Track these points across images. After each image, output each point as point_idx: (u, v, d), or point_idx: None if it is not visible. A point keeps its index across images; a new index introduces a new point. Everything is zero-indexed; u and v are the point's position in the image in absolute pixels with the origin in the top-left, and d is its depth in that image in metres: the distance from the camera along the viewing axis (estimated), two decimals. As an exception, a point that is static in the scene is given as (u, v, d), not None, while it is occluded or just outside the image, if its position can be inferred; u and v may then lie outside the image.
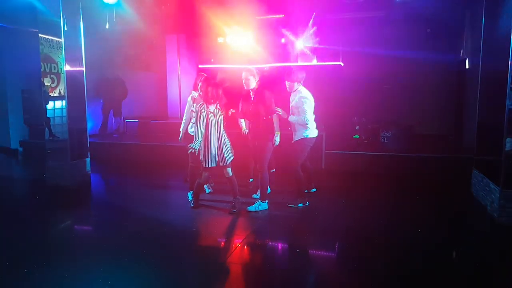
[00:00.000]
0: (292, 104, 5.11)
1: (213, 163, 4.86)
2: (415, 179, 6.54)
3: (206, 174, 5.03)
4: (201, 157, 4.90)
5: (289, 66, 5.56)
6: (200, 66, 8.41)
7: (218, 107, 4.86)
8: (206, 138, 4.81)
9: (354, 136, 8.32)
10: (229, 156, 4.91)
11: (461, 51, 8.03)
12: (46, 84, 6.53)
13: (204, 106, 4.81)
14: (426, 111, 8.23)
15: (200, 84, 5.29)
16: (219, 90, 4.83)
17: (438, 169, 6.69)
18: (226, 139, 4.91)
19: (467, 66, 7.72)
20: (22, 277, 3.39)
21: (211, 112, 4.81)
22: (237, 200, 5.03)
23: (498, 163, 4.70)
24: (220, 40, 8.33)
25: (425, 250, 3.96)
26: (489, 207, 4.93)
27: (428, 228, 4.53)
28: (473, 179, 5.73)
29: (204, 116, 4.76)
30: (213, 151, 4.84)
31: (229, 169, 4.97)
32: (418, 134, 8.00)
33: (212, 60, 8.55)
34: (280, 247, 4.26)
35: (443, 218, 4.92)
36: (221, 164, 4.90)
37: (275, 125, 5.07)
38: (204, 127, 4.76)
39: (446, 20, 7.67)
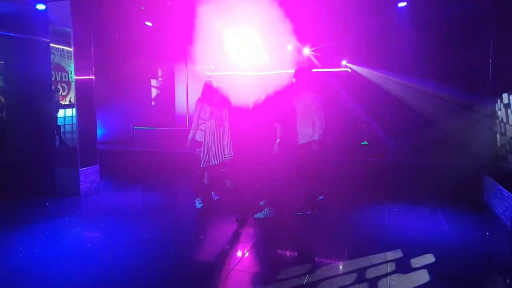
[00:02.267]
0: (301, 105, 5.06)
1: (204, 163, 4.88)
2: (424, 185, 6.46)
3: (206, 174, 5.04)
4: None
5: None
6: (207, 73, 8.46)
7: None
8: (205, 137, 4.93)
9: (362, 143, 8.27)
10: (222, 155, 4.83)
11: (470, 55, 7.94)
12: (56, 92, 6.63)
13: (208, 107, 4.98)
14: (435, 117, 8.14)
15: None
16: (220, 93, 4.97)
17: (448, 175, 6.59)
18: (223, 139, 4.85)
19: (476, 71, 7.63)
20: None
21: (212, 112, 4.91)
22: (244, 208, 5.01)
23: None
24: (226, 47, 8.36)
25: (435, 258, 3.89)
26: (502, 215, 4.83)
27: (439, 236, 4.45)
28: (485, 186, 5.64)
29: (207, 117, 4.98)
30: (205, 150, 4.89)
31: (228, 181, 4.95)
32: (428, 139, 7.91)
33: (212, 67, 8.58)
34: (287, 255, 4.23)
35: (454, 226, 4.83)
36: (214, 163, 4.85)
37: (278, 133, 5.07)
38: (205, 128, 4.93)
39: (454, 26, 7.62)
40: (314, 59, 7.79)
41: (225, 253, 4.18)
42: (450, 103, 8.05)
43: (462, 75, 7.96)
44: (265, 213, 5.03)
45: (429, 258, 3.88)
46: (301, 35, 7.82)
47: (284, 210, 5.21)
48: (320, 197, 5.64)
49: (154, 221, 5.13)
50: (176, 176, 7.58)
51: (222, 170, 4.86)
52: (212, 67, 8.53)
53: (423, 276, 3.51)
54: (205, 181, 5.19)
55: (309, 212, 5.16)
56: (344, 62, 8.36)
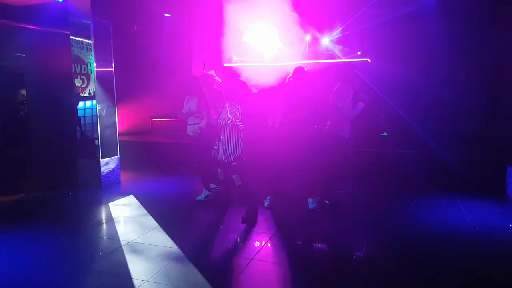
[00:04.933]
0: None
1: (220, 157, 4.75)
2: (446, 178, 6.34)
3: (219, 170, 5.03)
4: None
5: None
6: (225, 65, 8.44)
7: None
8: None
9: (382, 134, 8.14)
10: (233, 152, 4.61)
11: (496, 45, 7.70)
12: (76, 84, 6.73)
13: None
14: (458, 107, 7.95)
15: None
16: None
17: (471, 167, 6.44)
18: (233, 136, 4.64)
19: (502, 61, 7.41)
20: (55, 272, 3.51)
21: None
22: (251, 207, 4.71)
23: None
24: (245, 38, 8.32)
25: (457, 253, 3.83)
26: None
27: (461, 230, 4.37)
28: (509, 178, 5.50)
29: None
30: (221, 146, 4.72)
31: (235, 177, 4.66)
32: (449, 131, 7.75)
33: (235, 58, 8.54)
34: (307, 245, 4.23)
35: (476, 219, 4.72)
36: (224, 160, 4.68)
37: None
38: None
39: (480, 14, 7.39)
40: (333, 49, 7.68)
41: (244, 243, 4.21)
42: (474, 92, 7.84)
43: (487, 63, 7.74)
44: (313, 202, 5.06)
45: (447, 247, 3.83)
46: (321, 24, 7.71)
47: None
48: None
49: (173, 211, 5.20)
50: (194, 167, 7.62)
51: (232, 163, 4.65)
52: (235, 58, 8.49)
53: (442, 265, 3.46)
54: (220, 177, 5.23)
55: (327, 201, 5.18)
56: (359, 53, 8.21)
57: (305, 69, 5.00)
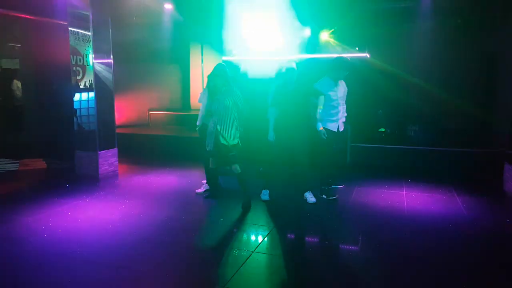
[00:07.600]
0: (342, 93, 5.26)
1: (209, 147, 4.88)
2: (443, 174, 6.39)
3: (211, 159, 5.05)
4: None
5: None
6: (224, 57, 8.39)
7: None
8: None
9: (380, 129, 8.18)
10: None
11: (493, 42, 7.76)
12: (72, 76, 6.66)
13: None
14: (455, 104, 8.01)
15: None
16: None
17: (468, 163, 6.51)
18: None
19: (498, 57, 7.47)
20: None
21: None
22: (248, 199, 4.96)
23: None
24: (244, 32, 8.26)
25: (453, 243, 3.87)
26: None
27: (457, 227, 4.41)
28: (506, 174, 5.56)
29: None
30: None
31: (237, 165, 4.90)
32: (446, 127, 7.82)
33: (234, 52, 8.48)
34: (308, 239, 4.25)
35: (473, 217, 4.75)
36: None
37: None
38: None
39: (478, 11, 7.43)
40: (333, 43, 7.68)
41: (245, 236, 4.22)
42: (469, 89, 7.90)
43: (483, 59, 7.80)
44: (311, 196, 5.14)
45: (446, 243, 3.87)
46: (320, 19, 7.70)
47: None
48: (341, 186, 5.67)
49: (172, 204, 5.17)
50: (191, 160, 7.60)
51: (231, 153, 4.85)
52: (234, 52, 8.45)
53: (439, 260, 3.50)
54: (210, 165, 5.16)
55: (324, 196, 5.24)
56: (357, 48, 8.23)
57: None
